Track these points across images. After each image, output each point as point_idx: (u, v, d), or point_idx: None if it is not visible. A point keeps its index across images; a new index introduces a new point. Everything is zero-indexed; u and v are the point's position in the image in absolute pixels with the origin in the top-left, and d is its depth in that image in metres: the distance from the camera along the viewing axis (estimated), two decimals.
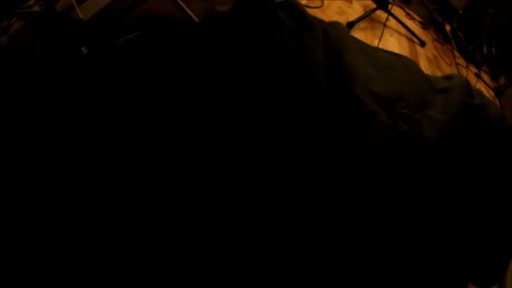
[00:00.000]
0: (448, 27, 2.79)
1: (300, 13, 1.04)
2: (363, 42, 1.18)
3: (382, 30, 1.98)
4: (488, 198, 0.95)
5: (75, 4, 1.40)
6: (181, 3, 1.47)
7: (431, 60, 2.25)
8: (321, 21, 1.37)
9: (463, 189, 0.91)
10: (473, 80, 2.40)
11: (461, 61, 2.50)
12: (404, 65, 1.13)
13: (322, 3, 2.19)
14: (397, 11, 2.47)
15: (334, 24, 1.18)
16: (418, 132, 0.83)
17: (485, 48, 2.80)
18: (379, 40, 1.92)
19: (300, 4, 1.16)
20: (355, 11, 2.26)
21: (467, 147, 0.88)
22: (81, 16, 1.43)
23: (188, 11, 1.49)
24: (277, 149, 0.85)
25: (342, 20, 2.05)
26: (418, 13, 2.69)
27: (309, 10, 1.95)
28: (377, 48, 1.18)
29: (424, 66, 2.12)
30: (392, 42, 2.12)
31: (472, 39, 2.81)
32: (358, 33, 2.03)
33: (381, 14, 2.25)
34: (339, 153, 0.78)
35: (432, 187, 0.83)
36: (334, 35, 1.02)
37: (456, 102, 0.91)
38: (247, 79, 0.88)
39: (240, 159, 0.91)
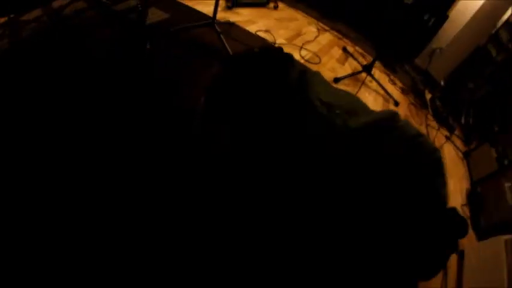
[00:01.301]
0: (428, 96, 3.20)
1: (289, 57, 1.53)
2: (327, 82, 1.66)
3: (359, 86, 2.45)
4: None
5: (147, 12, 2.06)
6: (222, 37, 2.08)
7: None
8: (303, 66, 1.86)
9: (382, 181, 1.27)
10: (442, 140, 2.76)
11: (433, 124, 2.86)
12: (350, 96, 1.59)
13: (320, 60, 2.73)
14: (381, 76, 2.97)
15: (312, 71, 1.67)
16: (345, 123, 1.30)
17: (463, 118, 3.18)
18: (356, 94, 2.38)
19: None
20: (344, 71, 2.77)
21: (384, 147, 1.28)
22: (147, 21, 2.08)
23: (226, 43, 2.09)
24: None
25: (332, 75, 2.57)
26: (403, 81, 3.16)
27: (309, 65, 2.53)
28: (337, 88, 1.65)
29: None
30: (369, 98, 2.55)
31: (451, 109, 3.19)
32: (341, 87, 2.51)
33: (366, 76, 2.74)
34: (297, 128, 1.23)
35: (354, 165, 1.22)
36: (309, 72, 1.51)
37: (380, 114, 1.37)
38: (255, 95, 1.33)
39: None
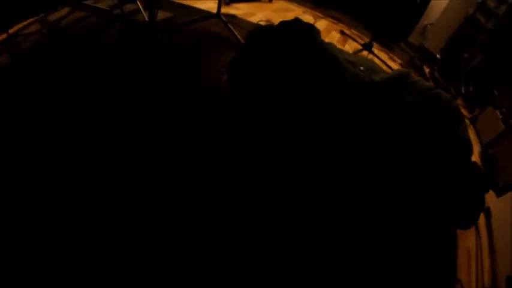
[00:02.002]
0: (427, 70, 3.30)
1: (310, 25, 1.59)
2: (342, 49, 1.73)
3: None
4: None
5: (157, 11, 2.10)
6: (230, 26, 2.12)
7: None
8: None
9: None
10: None
11: None
12: (366, 59, 1.64)
13: None
14: (380, 54, 3.05)
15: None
16: (370, 77, 1.35)
17: (463, 88, 3.28)
18: None
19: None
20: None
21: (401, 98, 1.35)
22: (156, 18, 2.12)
23: (236, 32, 2.13)
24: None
25: None
26: (401, 58, 3.25)
27: None
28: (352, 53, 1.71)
29: None
30: None
31: (450, 80, 3.28)
32: None
33: (368, 54, 2.81)
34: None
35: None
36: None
37: (396, 71, 1.44)
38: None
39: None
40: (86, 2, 2.29)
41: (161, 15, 2.44)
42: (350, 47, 2.94)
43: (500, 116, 2.70)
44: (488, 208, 1.92)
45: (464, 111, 3.03)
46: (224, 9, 2.89)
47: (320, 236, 1.20)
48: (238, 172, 1.31)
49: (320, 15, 3.50)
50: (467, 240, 1.61)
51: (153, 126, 1.45)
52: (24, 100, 1.38)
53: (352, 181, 1.29)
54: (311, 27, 1.45)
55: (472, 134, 2.72)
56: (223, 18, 2.27)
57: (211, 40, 2.18)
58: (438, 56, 3.38)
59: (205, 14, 2.37)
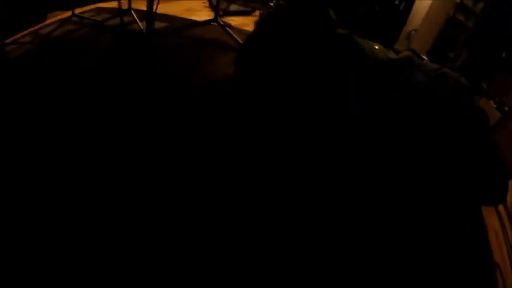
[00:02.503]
0: None
1: None
2: None
3: None
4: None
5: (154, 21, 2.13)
6: (228, 29, 2.16)
7: None
8: None
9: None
10: None
11: None
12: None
13: None
14: None
15: None
16: (386, 55, 1.39)
17: None
18: None
19: None
20: None
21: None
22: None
23: (234, 35, 2.16)
24: None
25: None
26: None
27: None
28: None
29: None
30: None
31: None
32: None
33: None
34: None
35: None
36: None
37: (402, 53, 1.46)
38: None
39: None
40: (80, 14, 2.33)
41: (157, 25, 2.48)
42: None
43: (495, 105, 2.76)
44: None
45: None
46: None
47: (321, 233, 1.16)
48: (238, 172, 1.27)
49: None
50: (492, 223, 1.56)
51: (152, 127, 1.44)
52: (13, 107, 1.37)
53: (354, 179, 1.27)
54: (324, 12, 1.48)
55: None
56: (222, 23, 2.32)
57: (208, 43, 2.22)
58: (425, 58, 3.52)
59: (203, 21, 2.42)
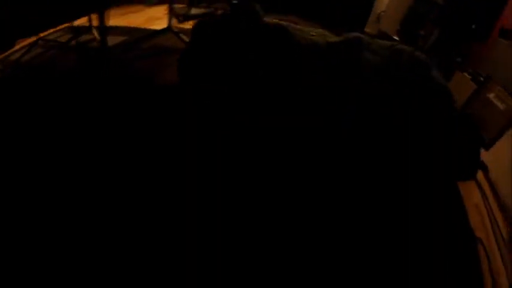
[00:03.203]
0: None
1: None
2: None
3: None
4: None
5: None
6: (182, 36, 2.13)
7: None
8: None
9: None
10: None
11: None
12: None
13: None
14: None
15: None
16: (324, 40, 1.34)
17: None
18: None
19: None
20: None
21: None
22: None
23: (187, 41, 2.14)
24: None
25: None
26: None
27: None
28: None
29: None
30: None
31: None
32: None
33: None
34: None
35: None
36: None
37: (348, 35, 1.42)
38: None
39: None
40: (45, 38, 2.30)
41: (115, 39, 2.43)
42: None
43: (470, 77, 2.74)
44: (483, 162, 1.86)
45: None
46: (180, 26, 2.92)
47: (320, 230, 1.13)
48: (235, 170, 1.27)
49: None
50: (472, 197, 1.51)
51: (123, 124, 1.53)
52: None
53: (352, 174, 1.27)
54: (251, 6, 1.44)
55: None
56: (175, 30, 2.28)
57: (164, 50, 2.18)
58: (396, 37, 3.49)
59: (159, 30, 2.38)
